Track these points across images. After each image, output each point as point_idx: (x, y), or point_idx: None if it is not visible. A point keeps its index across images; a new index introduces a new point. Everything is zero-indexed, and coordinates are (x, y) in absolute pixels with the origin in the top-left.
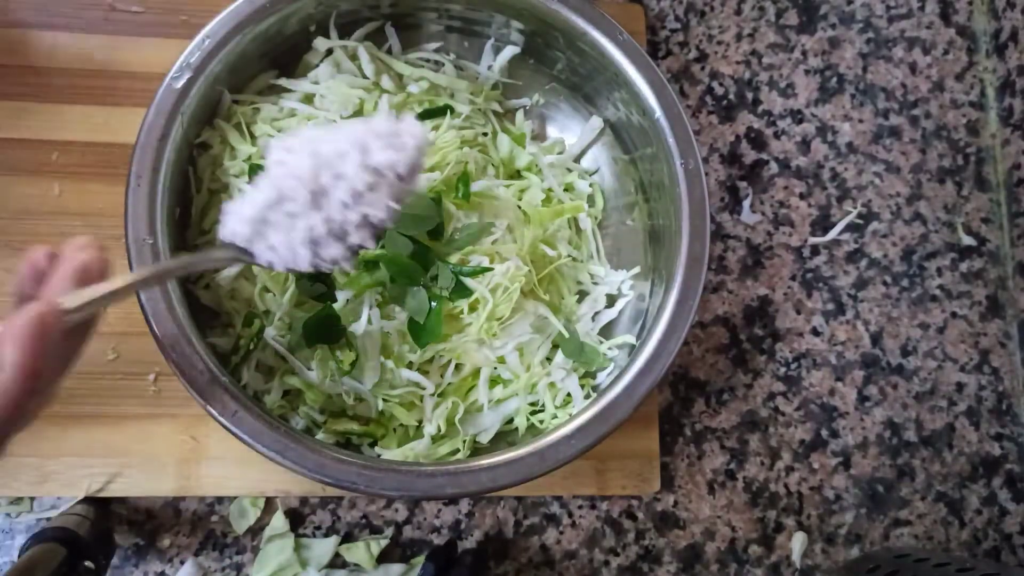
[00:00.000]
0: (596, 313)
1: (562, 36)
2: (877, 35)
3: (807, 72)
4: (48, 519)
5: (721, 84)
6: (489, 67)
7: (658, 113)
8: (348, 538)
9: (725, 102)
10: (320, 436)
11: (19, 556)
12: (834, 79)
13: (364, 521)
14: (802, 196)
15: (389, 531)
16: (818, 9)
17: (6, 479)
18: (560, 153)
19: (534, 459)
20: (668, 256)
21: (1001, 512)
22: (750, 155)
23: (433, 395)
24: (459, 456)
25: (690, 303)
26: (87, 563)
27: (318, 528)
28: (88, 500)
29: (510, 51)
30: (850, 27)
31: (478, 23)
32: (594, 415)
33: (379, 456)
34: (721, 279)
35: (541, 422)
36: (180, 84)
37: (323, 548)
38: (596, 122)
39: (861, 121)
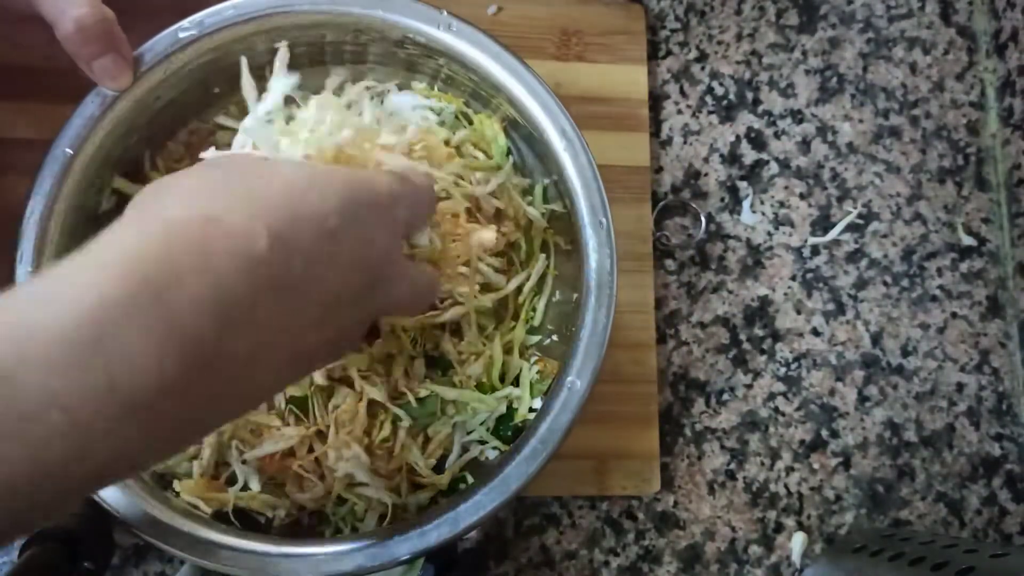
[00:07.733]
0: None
1: (390, 42)
2: (877, 35)
3: (807, 72)
4: None
5: (721, 84)
6: None
7: (509, 84)
8: None
9: (725, 102)
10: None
11: (19, 556)
12: (834, 79)
13: None
14: (802, 196)
15: None
16: (818, 9)
17: None
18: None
19: (446, 527)
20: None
21: (1001, 512)
22: (750, 155)
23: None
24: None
25: (606, 309)
26: (87, 563)
27: None
28: (88, 500)
29: None
30: (850, 27)
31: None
32: (510, 470)
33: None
34: (721, 279)
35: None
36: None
37: None
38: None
39: (861, 121)
